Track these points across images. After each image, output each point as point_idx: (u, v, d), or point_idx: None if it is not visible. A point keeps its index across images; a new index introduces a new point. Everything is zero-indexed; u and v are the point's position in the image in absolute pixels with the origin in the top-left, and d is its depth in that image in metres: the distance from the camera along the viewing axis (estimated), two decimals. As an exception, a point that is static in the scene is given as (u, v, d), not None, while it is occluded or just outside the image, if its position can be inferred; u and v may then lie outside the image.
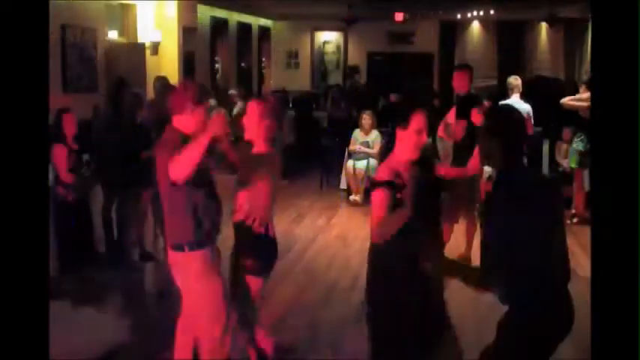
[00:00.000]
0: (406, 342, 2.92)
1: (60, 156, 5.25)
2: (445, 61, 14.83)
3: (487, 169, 7.77)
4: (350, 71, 14.77)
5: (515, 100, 7.09)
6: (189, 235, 3.12)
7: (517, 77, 7.33)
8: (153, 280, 5.69)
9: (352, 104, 11.33)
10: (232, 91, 10.71)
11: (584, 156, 7.17)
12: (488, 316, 4.77)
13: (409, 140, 2.93)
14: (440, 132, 6.52)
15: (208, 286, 3.21)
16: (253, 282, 3.46)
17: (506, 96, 7.27)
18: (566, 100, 7.46)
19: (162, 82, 6.51)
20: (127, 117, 5.78)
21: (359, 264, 5.13)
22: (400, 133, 2.95)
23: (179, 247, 3.15)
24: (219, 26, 12.47)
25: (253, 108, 3.41)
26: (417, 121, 2.92)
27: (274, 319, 4.71)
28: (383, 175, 2.91)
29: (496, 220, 2.47)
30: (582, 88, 7.57)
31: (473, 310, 4.94)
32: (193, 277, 3.18)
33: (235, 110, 10.08)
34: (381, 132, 8.53)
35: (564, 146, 8.07)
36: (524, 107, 6.79)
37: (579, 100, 7.32)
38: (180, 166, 2.83)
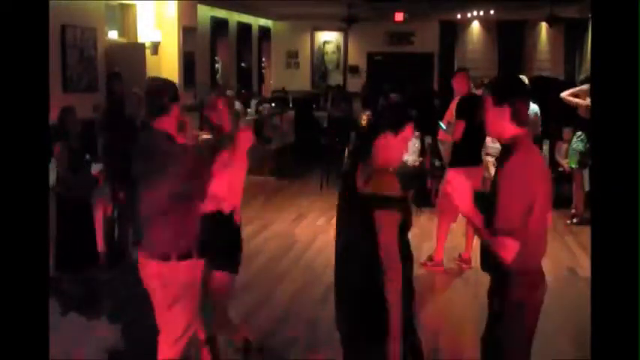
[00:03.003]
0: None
1: (63, 154, 5.25)
2: (445, 61, 14.81)
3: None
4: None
5: None
6: (188, 243, 3.09)
7: (525, 77, 7.34)
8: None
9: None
10: (229, 92, 10.74)
11: (584, 156, 7.17)
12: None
13: (397, 147, 2.64)
14: (440, 135, 6.54)
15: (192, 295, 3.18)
16: (221, 278, 3.49)
17: None
18: (565, 94, 7.48)
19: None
20: (125, 114, 5.78)
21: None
22: (391, 139, 2.61)
23: (167, 257, 3.06)
24: (219, 26, 12.45)
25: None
26: (410, 130, 2.66)
27: (274, 318, 4.72)
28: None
29: None
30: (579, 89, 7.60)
31: (473, 310, 4.95)
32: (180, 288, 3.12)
33: None
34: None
35: (564, 146, 8.08)
36: (533, 107, 6.79)
37: (578, 94, 7.35)
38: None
